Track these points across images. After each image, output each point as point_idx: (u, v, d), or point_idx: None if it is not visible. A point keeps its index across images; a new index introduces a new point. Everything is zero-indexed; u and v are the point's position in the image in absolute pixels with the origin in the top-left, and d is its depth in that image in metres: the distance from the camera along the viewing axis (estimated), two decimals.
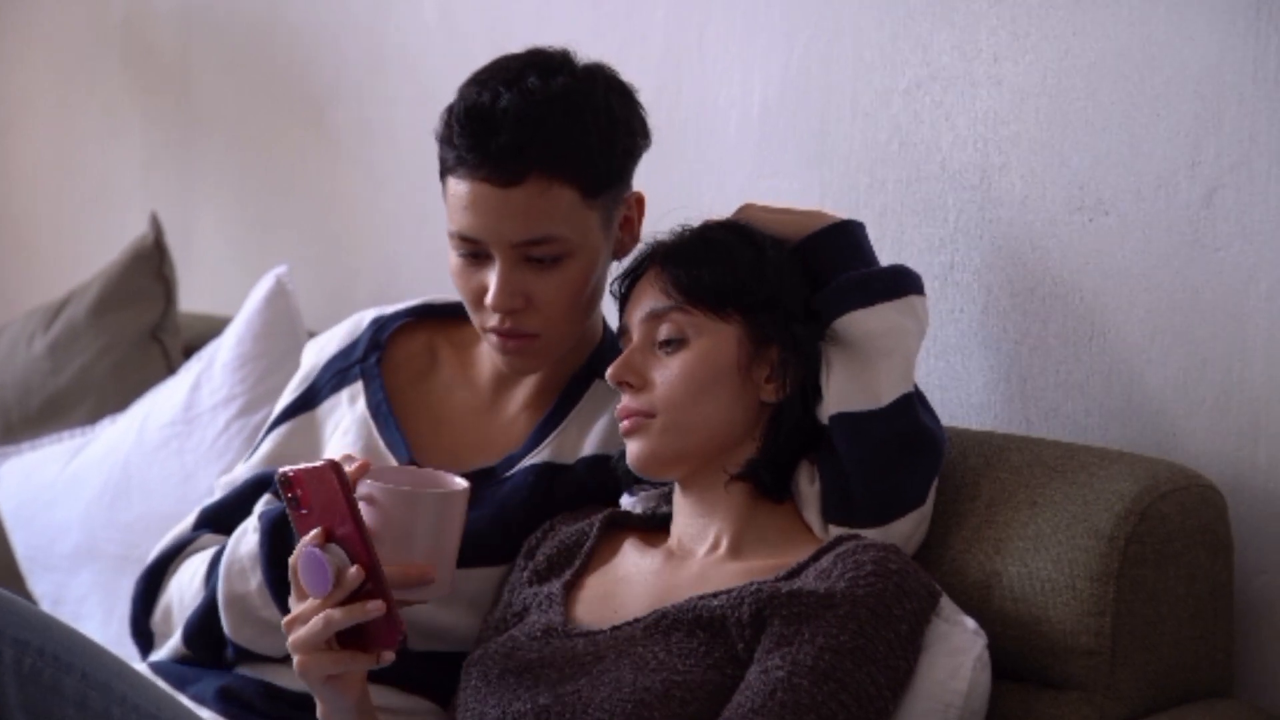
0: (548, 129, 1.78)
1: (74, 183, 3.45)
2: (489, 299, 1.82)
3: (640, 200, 1.90)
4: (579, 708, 1.59)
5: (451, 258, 1.85)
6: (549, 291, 1.82)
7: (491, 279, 1.82)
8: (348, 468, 1.62)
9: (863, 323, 1.72)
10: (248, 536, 1.88)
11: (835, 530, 1.70)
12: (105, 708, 1.61)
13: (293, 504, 1.63)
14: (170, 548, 1.99)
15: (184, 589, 1.94)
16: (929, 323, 1.78)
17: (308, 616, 1.60)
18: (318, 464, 1.62)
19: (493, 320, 1.84)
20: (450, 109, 1.83)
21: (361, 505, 1.62)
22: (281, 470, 1.63)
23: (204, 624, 1.90)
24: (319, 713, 1.67)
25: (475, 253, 1.83)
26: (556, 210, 1.80)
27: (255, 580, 1.85)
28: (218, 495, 2.02)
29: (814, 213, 1.81)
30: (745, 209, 1.81)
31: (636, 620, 1.66)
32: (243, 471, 2.01)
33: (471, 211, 1.80)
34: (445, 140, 1.83)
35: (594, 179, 1.81)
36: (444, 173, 1.84)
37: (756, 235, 1.76)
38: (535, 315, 1.83)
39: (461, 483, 1.68)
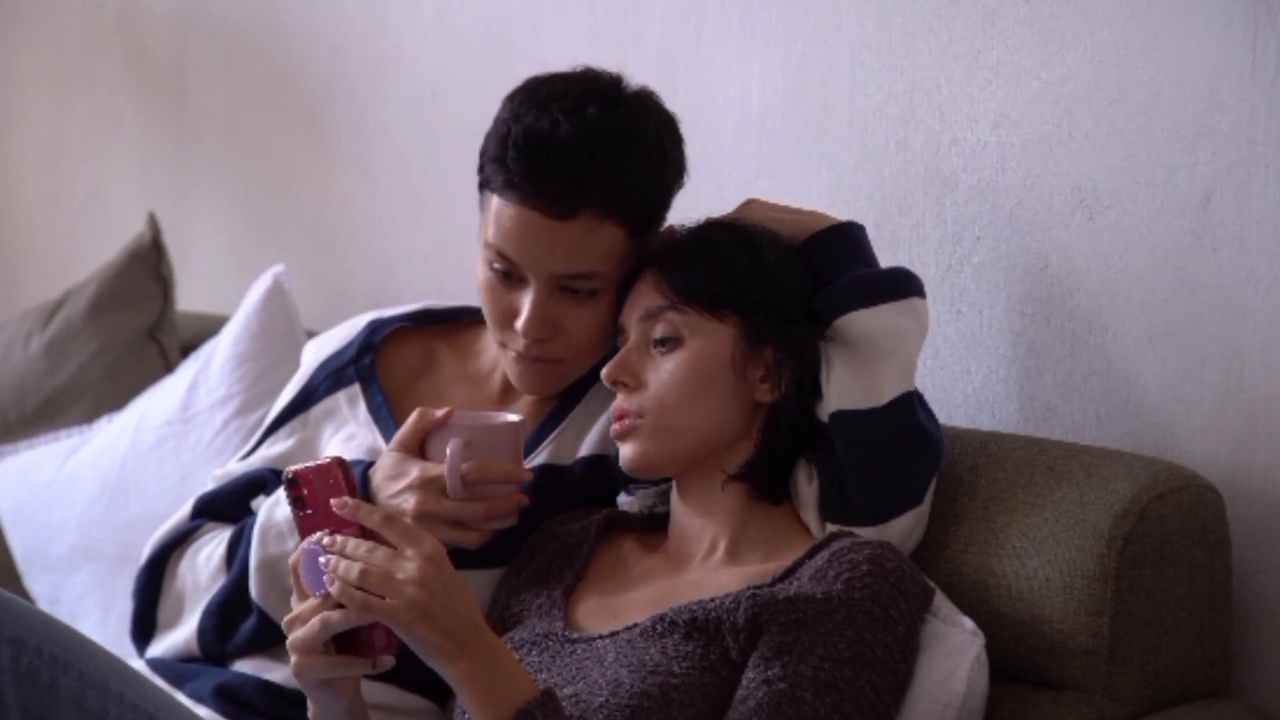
0: (606, 165, 1.76)
1: (70, 182, 3.44)
2: (520, 324, 1.80)
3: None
4: (577, 712, 1.58)
5: (482, 270, 1.83)
6: (580, 323, 1.81)
7: (524, 303, 1.80)
8: (435, 414, 1.74)
9: (865, 322, 1.72)
10: (284, 503, 1.87)
11: (832, 528, 1.70)
12: (102, 706, 1.60)
13: (297, 504, 1.61)
14: (171, 537, 1.98)
15: (198, 571, 1.93)
16: (929, 325, 1.78)
17: (306, 617, 1.57)
18: (323, 461, 1.61)
19: (518, 343, 1.82)
20: (506, 129, 1.79)
21: (450, 447, 1.70)
22: (287, 470, 1.61)
23: (228, 600, 1.88)
24: (310, 713, 1.64)
25: (509, 272, 1.81)
26: (603, 247, 1.78)
27: (291, 543, 1.84)
28: (212, 486, 2.01)
29: (816, 213, 1.81)
30: (750, 204, 1.81)
31: (635, 625, 1.65)
32: (238, 470, 2.01)
33: (516, 237, 1.78)
34: (496, 159, 1.79)
35: (643, 218, 1.80)
36: (489, 187, 1.81)
37: (754, 235, 1.75)
38: (563, 343, 1.82)
39: (513, 415, 1.79)
